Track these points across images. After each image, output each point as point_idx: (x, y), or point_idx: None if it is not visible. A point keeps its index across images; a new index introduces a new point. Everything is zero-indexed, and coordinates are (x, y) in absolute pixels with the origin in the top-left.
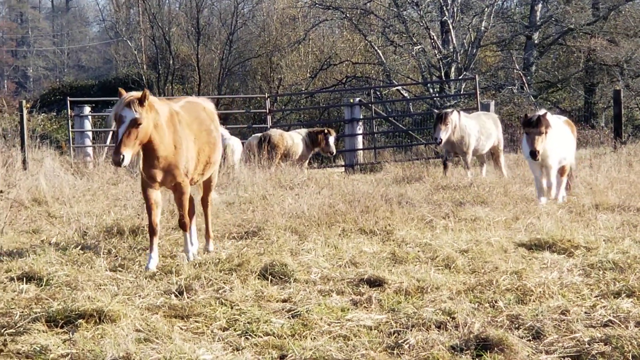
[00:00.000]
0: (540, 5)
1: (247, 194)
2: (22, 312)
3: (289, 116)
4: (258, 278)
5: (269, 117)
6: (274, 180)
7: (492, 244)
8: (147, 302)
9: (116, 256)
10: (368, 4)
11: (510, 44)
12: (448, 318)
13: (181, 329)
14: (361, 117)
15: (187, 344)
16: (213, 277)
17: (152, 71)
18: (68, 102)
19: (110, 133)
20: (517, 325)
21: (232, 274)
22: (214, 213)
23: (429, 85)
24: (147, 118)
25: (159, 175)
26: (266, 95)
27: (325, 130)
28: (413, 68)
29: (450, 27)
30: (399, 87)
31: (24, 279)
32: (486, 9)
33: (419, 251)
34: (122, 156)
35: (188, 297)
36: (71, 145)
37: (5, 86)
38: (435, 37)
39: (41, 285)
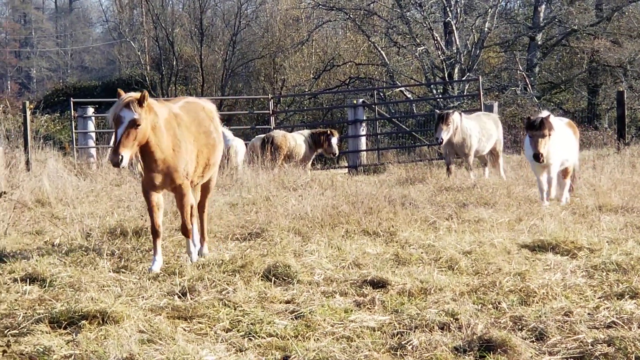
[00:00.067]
0: (543, 6)
1: (251, 195)
2: (26, 313)
3: (293, 117)
4: (261, 279)
5: (272, 118)
6: (277, 182)
7: (496, 245)
8: (151, 303)
9: (119, 257)
10: (371, 5)
11: (514, 45)
12: (451, 319)
13: (184, 330)
14: (364, 118)
15: (190, 345)
16: (216, 278)
17: (156, 72)
18: (71, 103)
19: (113, 134)
20: (520, 327)
21: (236, 275)
22: (217, 214)
23: (432, 86)
24: (145, 119)
25: (158, 178)
26: (269, 96)
27: (328, 131)
28: (416, 69)
29: (454, 28)
30: (402, 88)
31: (28, 280)
32: (489, 10)
33: (422, 252)
34: (120, 157)
35: (191, 298)
36: (74, 146)
37: (9, 87)
38: (438, 38)
39: (44, 287)
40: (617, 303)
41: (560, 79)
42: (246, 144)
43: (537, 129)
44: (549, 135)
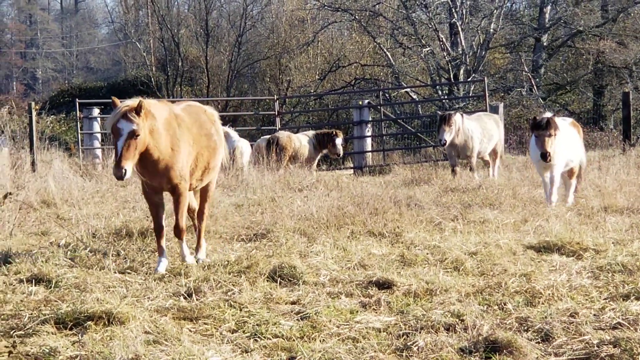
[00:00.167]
0: (549, 8)
1: (256, 196)
2: (31, 314)
3: (298, 118)
4: (267, 280)
5: (277, 119)
6: (282, 183)
7: (501, 246)
8: (156, 304)
9: (125, 258)
10: (377, 6)
11: (519, 46)
12: (457, 320)
13: (190, 331)
14: (370, 119)
15: (196, 346)
16: (222, 279)
17: (161, 73)
18: (77, 104)
19: (113, 146)
20: (526, 328)
21: (241, 276)
22: (223, 215)
23: (437, 87)
24: (144, 128)
25: (157, 179)
26: (275, 97)
27: (333, 132)
28: (422, 70)
29: (459, 29)
30: (408, 89)
31: (33, 281)
32: (495, 11)
33: (427, 253)
34: (124, 170)
35: (197, 299)
36: (80, 147)
37: (14, 88)
38: (444, 39)
39: (50, 287)
40: (622, 304)
41: (566, 80)
42: (251, 145)
43: (544, 128)
44: (555, 134)
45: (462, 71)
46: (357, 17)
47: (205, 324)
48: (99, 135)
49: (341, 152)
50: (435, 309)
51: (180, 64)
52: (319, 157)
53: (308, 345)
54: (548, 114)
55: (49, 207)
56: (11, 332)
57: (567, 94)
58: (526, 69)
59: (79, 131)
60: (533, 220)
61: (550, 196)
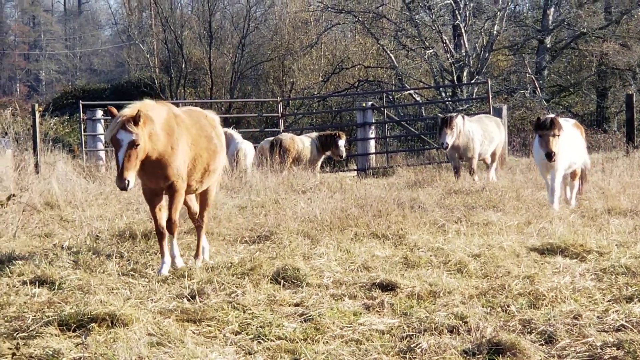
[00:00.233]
0: (552, 9)
1: (260, 198)
2: (35, 315)
3: (301, 120)
4: (270, 282)
5: (281, 121)
6: (286, 184)
7: (505, 248)
8: (160, 306)
9: (128, 260)
10: (380, 7)
11: (523, 48)
12: (460, 322)
13: (193, 333)
14: (373, 121)
15: (199, 348)
16: (225, 281)
17: (165, 75)
18: (80, 105)
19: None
20: (529, 330)
21: (245, 278)
22: (226, 217)
23: (441, 89)
24: (143, 136)
25: (155, 179)
26: (278, 99)
27: (335, 134)
28: (425, 72)
29: (463, 31)
30: (411, 91)
31: (37, 282)
32: (498, 13)
33: (431, 255)
34: (127, 181)
35: (200, 301)
36: (83, 148)
37: (18, 89)
38: (447, 41)
39: (54, 289)
40: (626, 306)
41: (569, 82)
42: (255, 147)
43: (548, 128)
44: (559, 134)
45: (465, 73)
46: (360, 19)
47: (208, 325)
48: (102, 137)
49: (344, 154)
50: (439, 311)
51: (183, 65)
52: (322, 158)
53: (311, 347)
54: (550, 116)
55: (53, 209)
56: (14, 334)
57: (570, 96)
58: (529, 71)
59: (83, 133)
60: (536, 222)
61: (554, 196)
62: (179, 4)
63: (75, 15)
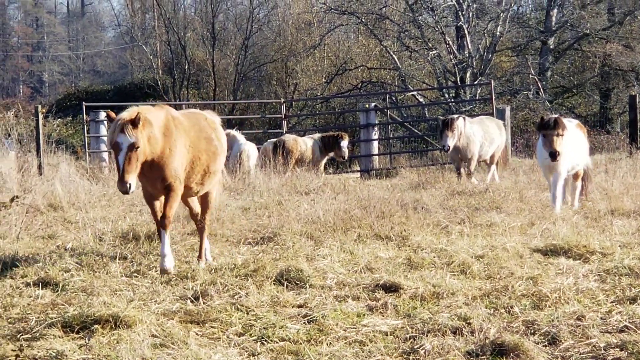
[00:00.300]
0: (555, 11)
1: (263, 199)
2: (38, 317)
3: (305, 121)
4: (274, 283)
5: (284, 123)
6: (289, 186)
7: (508, 249)
8: (163, 308)
9: (132, 262)
10: (384, 9)
11: (526, 49)
12: (464, 323)
13: (197, 334)
14: (376, 122)
15: (202, 349)
16: (229, 282)
17: (168, 76)
18: (84, 107)
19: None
20: (532, 331)
21: (248, 280)
22: (230, 218)
23: (444, 90)
24: (142, 139)
25: (154, 182)
26: (282, 101)
27: (338, 135)
28: (428, 73)
29: (466, 32)
30: (415, 92)
31: (40, 284)
32: (501, 14)
33: (434, 257)
34: (128, 185)
35: (204, 303)
36: (87, 150)
37: (21, 91)
38: (450, 42)
39: (57, 291)
40: (629, 307)
41: (572, 83)
42: (258, 148)
43: (552, 128)
44: (563, 134)
45: (468, 74)
46: (363, 20)
47: (212, 327)
48: (105, 139)
49: (346, 155)
50: (442, 312)
51: (186, 67)
52: (325, 159)
53: (315, 349)
54: (555, 115)
55: (56, 211)
56: (18, 336)
57: (573, 96)
58: (533, 72)
59: (86, 134)
60: (540, 223)
61: (556, 200)
62: (182, 6)
63: (78, 17)
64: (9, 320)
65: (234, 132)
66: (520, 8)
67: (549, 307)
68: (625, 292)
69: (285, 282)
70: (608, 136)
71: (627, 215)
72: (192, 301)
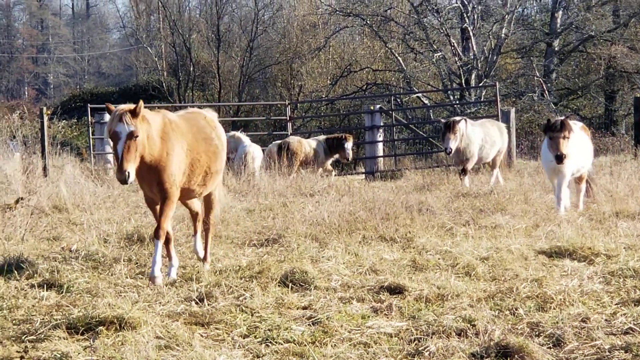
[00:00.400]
0: (560, 13)
1: (268, 201)
2: (43, 319)
3: (310, 123)
4: (278, 285)
5: (289, 124)
6: (294, 187)
7: (513, 251)
8: (168, 309)
9: (137, 263)
10: (388, 11)
11: (531, 51)
12: (468, 325)
13: (202, 336)
14: (381, 124)
15: (207, 351)
16: (233, 284)
17: (173, 78)
18: (89, 109)
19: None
20: (537, 333)
21: (253, 281)
22: (234, 220)
23: (449, 92)
24: (142, 129)
25: (147, 184)
26: (286, 103)
27: (342, 136)
28: (433, 75)
29: (471, 34)
30: (420, 94)
31: (45, 286)
32: (506, 16)
33: (439, 258)
34: (127, 173)
35: (208, 304)
36: (92, 152)
37: (26, 93)
38: (455, 44)
39: (62, 292)
40: (634, 309)
41: (577, 85)
42: (263, 150)
43: (558, 130)
44: (569, 137)
45: (473, 76)
46: (368, 22)
47: (216, 329)
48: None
49: (351, 156)
50: (447, 314)
51: (191, 69)
52: (329, 161)
53: (319, 351)
54: (561, 117)
55: (61, 212)
56: (23, 337)
57: (578, 99)
58: (538, 74)
59: (91, 136)
60: (544, 225)
61: (560, 203)
62: (187, 7)
63: (83, 19)
64: (14, 321)
65: (239, 134)
66: (525, 10)
67: (554, 309)
68: (630, 294)
69: (290, 284)
70: (613, 138)
71: (631, 217)
72: (196, 303)
